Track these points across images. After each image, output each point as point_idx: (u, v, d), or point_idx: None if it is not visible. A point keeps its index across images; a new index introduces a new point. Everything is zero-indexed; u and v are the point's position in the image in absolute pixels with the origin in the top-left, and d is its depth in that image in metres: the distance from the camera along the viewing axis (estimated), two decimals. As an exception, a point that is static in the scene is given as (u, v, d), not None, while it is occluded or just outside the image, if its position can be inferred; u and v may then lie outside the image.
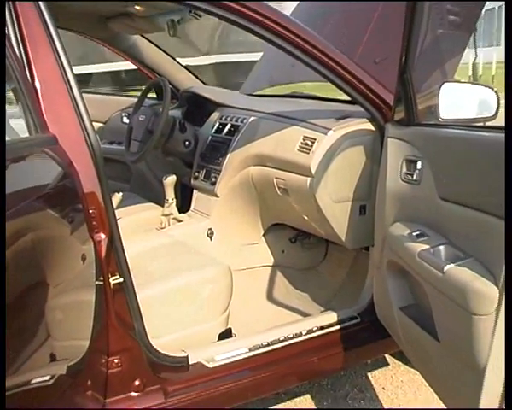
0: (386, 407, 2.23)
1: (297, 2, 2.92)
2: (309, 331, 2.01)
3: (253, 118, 2.52)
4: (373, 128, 2.04)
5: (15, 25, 1.49)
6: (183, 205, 2.80)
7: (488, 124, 1.72)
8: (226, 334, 2.05)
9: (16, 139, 1.45)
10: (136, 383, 1.72)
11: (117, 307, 1.63)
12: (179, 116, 2.87)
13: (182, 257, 2.18)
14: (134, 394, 1.72)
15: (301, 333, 2.00)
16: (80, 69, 7.94)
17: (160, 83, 2.69)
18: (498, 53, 14.78)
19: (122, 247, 1.62)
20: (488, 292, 1.32)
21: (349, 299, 2.27)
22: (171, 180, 2.64)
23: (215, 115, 2.78)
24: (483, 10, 2.00)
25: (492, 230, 1.33)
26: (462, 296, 1.38)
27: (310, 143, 2.09)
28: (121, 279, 1.61)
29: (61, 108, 1.53)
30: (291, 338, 1.98)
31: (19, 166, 1.32)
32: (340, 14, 2.56)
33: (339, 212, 2.09)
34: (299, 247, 2.72)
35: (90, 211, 1.50)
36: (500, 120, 1.65)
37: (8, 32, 1.48)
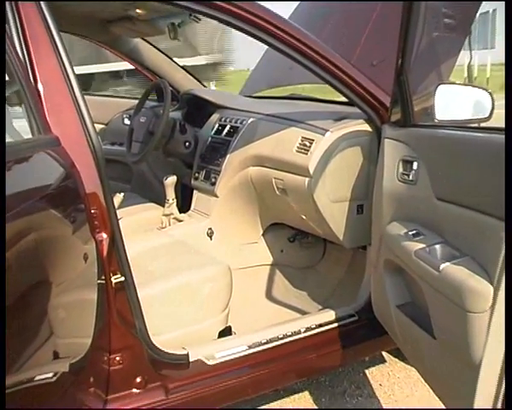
0: (385, 408, 2.24)
1: (297, 3, 2.93)
2: (307, 329, 2.02)
3: (252, 119, 2.53)
4: (370, 129, 2.05)
5: (18, 27, 1.50)
6: (184, 205, 2.81)
7: (483, 125, 1.73)
8: (226, 332, 2.06)
9: (19, 140, 1.45)
10: (138, 380, 1.73)
11: (118, 305, 1.64)
12: (179, 118, 2.87)
13: (182, 256, 2.18)
14: (135, 391, 1.73)
15: (300, 331, 2.01)
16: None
17: (161, 85, 2.70)
18: (493, 55, 14.79)
19: (123, 246, 1.63)
20: (483, 290, 1.32)
21: (347, 297, 2.28)
22: (171, 181, 2.65)
23: (215, 117, 2.79)
24: (477, 13, 2.01)
25: (487, 229, 1.33)
26: (457, 294, 1.39)
27: (308, 144, 2.10)
28: (123, 278, 1.62)
29: (64, 109, 1.53)
30: (290, 336, 1.99)
31: (22, 167, 1.33)
32: (340, 15, 2.57)
33: (336, 211, 2.10)
34: (298, 246, 2.73)
35: (92, 211, 1.51)
36: (494, 122, 1.68)
37: (11, 34, 1.49)
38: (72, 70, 1.56)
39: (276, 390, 2.29)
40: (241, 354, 1.91)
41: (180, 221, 2.68)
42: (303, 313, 2.31)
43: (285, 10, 2.88)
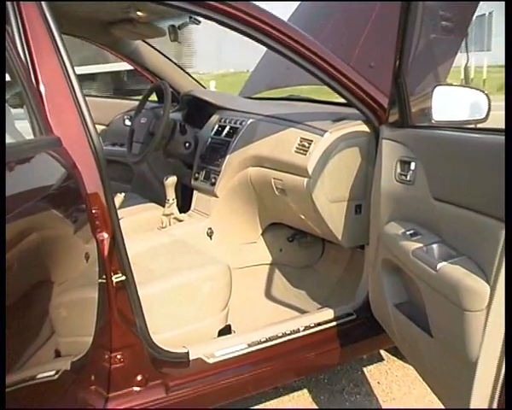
0: (384, 408, 2.24)
1: (298, 3, 2.94)
2: (306, 328, 2.04)
3: (251, 120, 2.54)
4: (368, 130, 2.06)
5: (20, 29, 1.51)
6: (184, 205, 2.82)
7: (479, 126, 1.74)
8: (226, 330, 2.07)
9: (21, 141, 1.45)
10: (139, 378, 1.74)
11: (119, 304, 1.64)
12: (180, 119, 2.88)
13: (182, 256, 2.19)
14: (136, 388, 1.74)
15: (299, 329, 2.02)
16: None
17: (161, 86, 2.71)
18: (489, 57, 14.78)
19: (124, 246, 1.64)
20: (480, 289, 1.33)
21: (345, 296, 2.29)
22: (171, 181, 2.67)
23: (214, 118, 2.80)
24: (474, 16, 2.02)
25: (484, 229, 1.34)
26: (454, 293, 1.40)
27: (306, 145, 2.11)
28: (123, 277, 1.63)
29: (65, 110, 1.54)
30: (289, 334, 2.00)
31: (24, 167, 1.34)
32: (341, 15, 2.57)
33: (335, 211, 2.12)
34: (297, 246, 2.74)
35: (93, 211, 1.52)
36: (490, 123, 1.69)
37: (13, 36, 1.50)
38: (74, 71, 1.57)
39: (275, 388, 2.30)
40: (241, 353, 1.92)
41: (180, 221, 2.69)
42: (302, 311, 2.32)
43: (286, 10, 2.89)
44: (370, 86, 1.98)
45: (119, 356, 1.69)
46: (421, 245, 1.55)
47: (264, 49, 2.18)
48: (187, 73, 3.30)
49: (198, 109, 2.96)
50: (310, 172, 2.07)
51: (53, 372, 1.41)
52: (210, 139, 2.74)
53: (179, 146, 2.74)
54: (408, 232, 1.62)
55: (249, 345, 1.95)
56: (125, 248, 1.64)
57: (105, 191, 1.56)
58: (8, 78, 1.42)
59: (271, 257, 2.73)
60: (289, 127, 2.27)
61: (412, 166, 1.68)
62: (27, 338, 1.27)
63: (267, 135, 2.35)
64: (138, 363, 1.74)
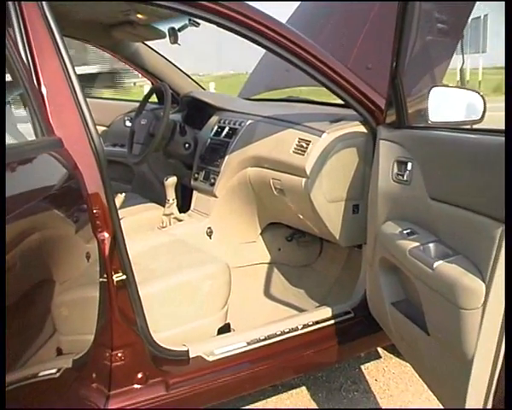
0: (384, 408, 2.25)
1: (298, 3, 2.95)
2: (305, 326, 2.05)
3: (250, 121, 2.55)
4: (365, 131, 2.08)
5: (22, 31, 1.52)
6: (184, 205, 2.83)
7: (475, 126, 1.75)
8: (225, 329, 2.08)
9: (23, 142, 1.47)
10: (139, 375, 1.75)
11: (120, 303, 1.65)
12: (179, 120, 2.89)
13: (182, 255, 2.20)
14: (137, 386, 1.75)
15: (297, 328, 2.03)
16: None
17: (161, 88, 2.72)
18: (485, 59, 14.79)
19: (125, 245, 1.65)
20: (476, 288, 1.34)
21: (343, 295, 2.30)
22: (171, 181, 2.68)
23: (214, 119, 2.82)
24: (470, 18, 2.03)
25: (480, 228, 1.35)
26: (450, 292, 1.40)
27: (305, 145, 2.13)
28: (124, 276, 1.63)
29: (67, 112, 1.55)
30: (287, 333, 2.01)
31: (26, 168, 1.34)
32: (341, 15, 2.58)
33: (333, 211, 2.13)
34: (295, 245, 2.75)
35: (94, 211, 1.53)
36: (486, 124, 1.70)
37: (15, 38, 1.51)
38: (75, 73, 1.58)
39: (274, 386, 2.31)
40: (240, 351, 1.93)
41: (180, 221, 2.71)
42: (300, 310, 2.33)
43: (286, 10, 2.91)
44: (368, 87, 1.99)
45: (119, 354, 1.70)
46: (417, 244, 1.56)
47: (264, 50, 2.19)
48: (186, 74, 3.31)
49: (198, 110, 2.97)
50: (308, 172, 2.09)
51: (55, 370, 1.41)
52: (209, 140, 2.75)
53: (179, 147, 2.75)
54: (405, 232, 1.63)
55: (248, 343, 1.95)
56: (126, 248, 1.65)
57: (106, 191, 1.56)
58: (10, 79, 1.42)
59: (270, 256, 2.74)
60: (288, 128, 2.28)
61: (409, 166, 1.69)
62: (30, 336, 1.27)
63: (266, 136, 2.36)
64: (139, 361, 1.75)
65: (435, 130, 1.72)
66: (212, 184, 2.62)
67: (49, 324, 1.38)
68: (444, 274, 1.44)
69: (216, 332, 2.05)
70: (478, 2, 2.02)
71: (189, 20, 2.49)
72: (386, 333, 1.94)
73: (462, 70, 2.45)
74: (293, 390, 2.35)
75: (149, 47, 3.14)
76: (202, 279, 2.04)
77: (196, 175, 2.76)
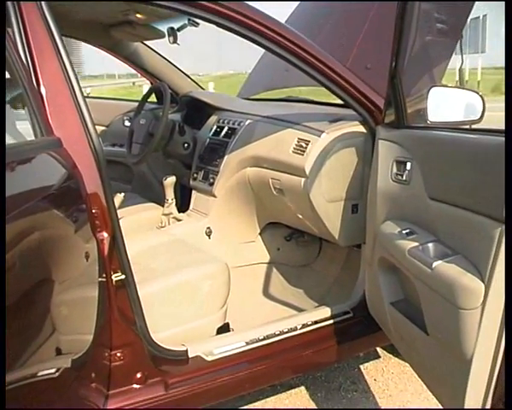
0: (383, 407, 2.25)
1: (298, 2, 2.95)
2: (304, 326, 2.05)
3: (249, 121, 2.55)
4: (364, 130, 2.08)
5: (21, 32, 1.51)
6: (183, 205, 2.83)
7: (474, 126, 1.74)
8: (224, 328, 2.08)
9: (22, 142, 1.46)
10: (138, 375, 1.75)
11: (119, 303, 1.65)
12: (179, 120, 2.90)
13: (181, 255, 2.20)
14: (136, 386, 1.75)
15: (296, 327, 2.03)
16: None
17: (161, 88, 2.72)
18: (484, 59, 14.81)
19: (124, 245, 1.64)
20: (475, 287, 1.34)
21: (342, 294, 2.30)
22: (170, 181, 2.68)
23: (213, 119, 2.82)
24: (469, 19, 2.03)
25: (479, 228, 1.35)
26: (449, 291, 1.40)
27: (304, 145, 2.13)
28: (123, 276, 1.63)
29: (66, 112, 1.55)
30: (286, 332, 2.01)
31: (25, 167, 1.35)
32: (340, 15, 2.58)
33: (332, 211, 2.13)
34: (294, 245, 2.76)
35: (94, 211, 1.52)
36: (485, 124, 1.71)
37: (15, 38, 1.50)
38: (74, 73, 1.58)
39: (272, 385, 2.31)
40: (239, 351, 1.94)
41: (179, 220, 2.71)
42: (299, 310, 2.33)
43: (285, 10, 2.91)
44: (367, 87, 2.00)
45: (119, 354, 1.70)
46: (416, 244, 1.56)
47: (263, 50, 2.19)
48: (186, 74, 3.31)
49: (197, 110, 2.97)
50: (307, 172, 2.09)
51: (54, 370, 1.41)
52: (208, 140, 2.75)
53: (178, 147, 2.76)
54: (404, 231, 1.64)
55: (247, 343, 1.96)
56: (125, 248, 1.65)
57: (105, 191, 1.56)
58: (9, 79, 1.43)
59: (269, 256, 2.74)
60: (287, 128, 2.28)
61: (408, 166, 1.69)
62: (29, 336, 1.28)
63: (265, 135, 2.36)
64: (138, 361, 1.75)
65: (434, 130, 1.72)
66: (211, 184, 2.62)
67: (49, 323, 1.38)
68: (443, 274, 1.44)
69: (215, 332, 2.05)
70: (477, 3, 2.02)
71: (189, 19, 2.49)
72: (385, 333, 1.94)
73: (461, 70, 2.44)
74: (292, 390, 2.35)
75: (149, 47, 3.14)
76: (201, 279, 2.04)
77: (195, 175, 2.76)
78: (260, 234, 2.73)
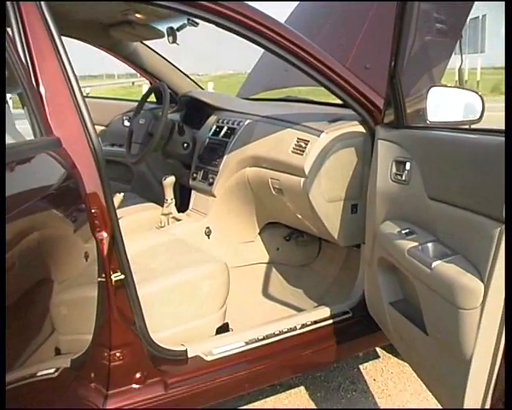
0: (382, 407, 2.25)
1: (297, 2, 2.95)
2: (303, 326, 2.05)
3: (248, 121, 2.55)
4: (364, 130, 2.08)
5: (21, 32, 1.51)
6: (182, 205, 2.83)
7: (473, 126, 1.75)
8: (223, 328, 2.08)
9: (22, 142, 1.46)
10: (138, 375, 1.75)
11: (119, 302, 1.65)
12: (178, 119, 2.90)
13: (181, 255, 2.20)
14: (135, 386, 1.75)
15: (296, 327, 2.04)
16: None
17: (160, 88, 2.73)
18: (483, 59, 14.82)
19: (123, 245, 1.65)
20: (474, 287, 1.33)
21: (341, 294, 2.31)
22: (170, 181, 2.68)
23: (212, 118, 2.82)
24: (468, 19, 2.03)
25: (478, 228, 1.35)
26: (449, 291, 1.41)
27: (303, 145, 2.13)
28: (122, 276, 1.63)
29: (65, 112, 1.55)
30: (286, 332, 2.01)
31: (24, 167, 1.34)
32: (339, 15, 2.58)
33: (331, 211, 2.13)
34: (294, 245, 2.76)
35: (93, 211, 1.52)
36: (484, 123, 1.71)
37: (14, 38, 1.51)
38: (74, 73, 1.58)
39: (272, 385, 2.31)
40: (238, 350, 1.94)
41: (179, 220, 2.71)
42: (298, 310, 2.33)
43: (284, 10, 2.91)
44: (366, 87, 2.00)
45: (118, 354, 1.69)
46: (416, 244, 1.56)
47: (262, 50, 2.19)
48: (185, 74, 3.31)
49: (196, 110, 2.98)
50: (306, 172, 2.09)
51: (53, 370, 1.41)
52: (208, 140, 2.75)
53: (177, 146, 2.76)
54: (403, 231, 1.64)
55: (247, 343, 1.96)
56: (124, 248, 1.65)
57: (104, 191, 1.57)
58: (9, 79, 1.43)
59: (269, 256, 2.74)
60: (286, 128, 2.28)
61: (407, 166, 1.69)
62: (28, 336, 1.27)
63: (264, 135, 2.37)
64: (137, 361, 1.75)
65: (434, 130, 1.72)
66: (211, 184, 2.62)
67: (48, 323, 1.38)
68: (442, 274, 1.44)
69: (214, 332, 2.05)
70: (476, 3, 2.02)
71: (188, 19, 2.49)
72: (384, 333, 1.94)
73: (460, 70, 2.44)
74: (292, 390, 2.35)
75: (148, 47, 3.14)
76: (201, 279, 2.04)
77: (195, 175, 2.76)
78: (260, 234, 2.73)
